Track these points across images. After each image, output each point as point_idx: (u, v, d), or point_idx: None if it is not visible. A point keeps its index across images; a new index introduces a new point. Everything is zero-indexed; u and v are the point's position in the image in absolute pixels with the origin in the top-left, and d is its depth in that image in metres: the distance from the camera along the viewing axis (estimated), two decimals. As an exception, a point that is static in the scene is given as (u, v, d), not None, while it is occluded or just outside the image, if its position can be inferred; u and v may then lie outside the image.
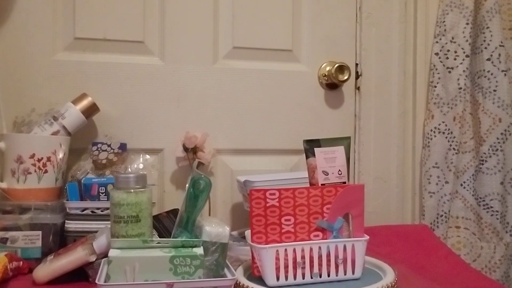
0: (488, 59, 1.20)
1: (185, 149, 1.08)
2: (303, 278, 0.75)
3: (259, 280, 0.75)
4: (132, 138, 1.09)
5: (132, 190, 0.74)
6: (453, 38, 1.23)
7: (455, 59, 1.23)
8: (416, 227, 1.20)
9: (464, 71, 1.22)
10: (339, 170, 0.80)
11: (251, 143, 1.17)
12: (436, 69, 1.23)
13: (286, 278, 0.74)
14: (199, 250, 0.69)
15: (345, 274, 0.77)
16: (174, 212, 0.98)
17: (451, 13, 1.22)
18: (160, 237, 0.92)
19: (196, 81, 1.14)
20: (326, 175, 0.79)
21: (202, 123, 1.14)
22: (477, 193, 1.22)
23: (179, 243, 0.70)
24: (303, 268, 0.75)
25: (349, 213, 0.78)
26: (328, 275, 0.76)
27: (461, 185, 1.22)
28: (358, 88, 1.24)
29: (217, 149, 1.14)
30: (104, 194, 0.89)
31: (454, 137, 1.24)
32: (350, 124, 1.24)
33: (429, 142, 1.22)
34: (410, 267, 0.94)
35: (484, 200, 1.21)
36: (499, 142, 1.20)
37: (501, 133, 1.20)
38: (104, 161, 0.97)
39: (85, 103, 1.00)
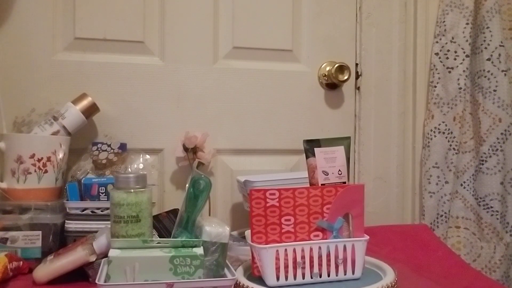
0: (488, 59, 1.20)
1: (185, 149, 1.08)
2: (303, 278, 0.75)
3: (259, 280, 0.75)
4: (132, 138, 1.09)
5: (132, 190, 0.74)
6: (453, 38, 1.23)
7: (455, 59, 1.23)
8: (416, 227, 1.20)
9: (464, 71, 1.22)
10: (339, 170, 0.80)
11: (251, 143, 1.17)
12: (436, 69, 1.23)
13: (286, 278, 0.74)
14: (199, 250, 0.69)
15: (345, 274, 0.77)
16: (174, 212, 0.98)
17: (451, 13, 1.22)
18: (160, 237, 0.92)
19: (196, 81, 1.14)
20: (326, 175, 0.79)
21: (202, 123, 1.14)
22: (477, 193, 1.22)
23: (179, 243, 0.70)
24: (303, 268, 0.75)
25: (349, 213, 0.78)
26: (328, 275, 0.76)
27: (461, 185, 1.22)
28: (358, 88, 1.24)
29: (217, 149, 1.14)
30: (104, 194, 0.89)
31: (454, 137, 1.24)
32: (350, 124, 1.24)
33: (429, 142, 1.22)
34: (410, 267, 0.94)
35: (484, 200, 1.21)
36: (499, 142, 1.20)
37: (501, 133, 1.20)
38: (104, 161, 0.97)
39: (85, 103, 1.00)
